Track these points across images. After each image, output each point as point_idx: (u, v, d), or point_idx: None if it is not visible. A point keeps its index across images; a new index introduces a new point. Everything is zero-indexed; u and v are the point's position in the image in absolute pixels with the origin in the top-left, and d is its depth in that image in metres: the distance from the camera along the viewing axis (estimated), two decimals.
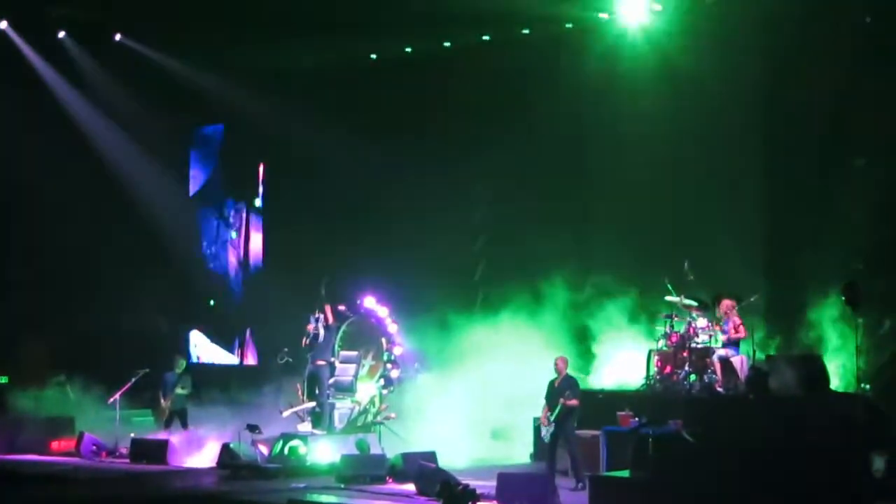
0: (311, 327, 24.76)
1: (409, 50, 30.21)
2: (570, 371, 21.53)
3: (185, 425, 25.82)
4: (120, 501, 20.67)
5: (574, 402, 20.89)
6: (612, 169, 27.39)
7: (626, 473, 19.38)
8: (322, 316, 24.83)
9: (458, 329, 27.11)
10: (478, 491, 19.34)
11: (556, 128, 27.71)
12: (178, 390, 25.90)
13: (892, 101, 23.33)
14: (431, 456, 21.82)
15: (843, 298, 22.30)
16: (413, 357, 26.77)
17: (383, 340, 25.71)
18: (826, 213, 24.24)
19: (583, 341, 26.14)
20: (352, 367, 24.77)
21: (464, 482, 19.44)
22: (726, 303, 23.01)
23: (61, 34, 30.98)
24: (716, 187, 25.55)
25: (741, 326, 22.76)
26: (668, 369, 23.24)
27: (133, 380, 26.73)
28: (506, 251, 28.36)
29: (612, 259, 26.24)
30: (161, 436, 25.41)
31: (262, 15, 28.53)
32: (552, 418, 20.97)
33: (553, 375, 21.38)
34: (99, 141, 32.37)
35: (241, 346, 32.56)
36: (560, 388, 21.10)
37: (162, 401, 26.21)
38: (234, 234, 34.06)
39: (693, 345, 23.02)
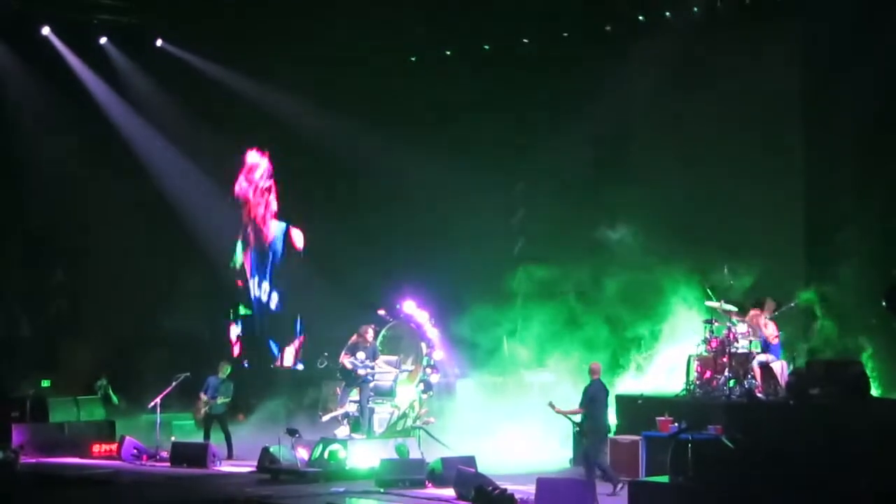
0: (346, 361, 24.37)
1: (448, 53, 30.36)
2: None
3: (226, 431, 25.82)
4: None
5: None
6: (652, 171, 27.37)
7: (665, 479, 19.32)
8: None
9: (498, 333, 27.14)
10: (517, 496, 19.34)
11: (597, 128, 27.63)
12: (220, 398, 25.87)
13: None
14: (471, 460, 21.81)
15: (885, 304, 22.17)
16: (453, 362, 26.77)
17: (423, 345, 25.70)
18: (868, 217, 24.15)
19: (622, 346, 26.07)
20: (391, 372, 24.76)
21: (501, 486, 19.43)
22: (752, 312, 22.91)
23: (103, 40, 31.07)
24: (756, 190, 25.46)
25: (774, 335, 22.65)
26: (707, 374, 23.15)
27: (174, 384, 26.79)
28: (544, 253, 28.22)
29: (651, 263, 26.10)
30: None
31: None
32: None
33: (587, 381, 21.33)
34: (141, 146, 32.43)
35: (281, 350, 32.45)
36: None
37: (201, 401, 26.15)
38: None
39: (733, 350, 22.90)
